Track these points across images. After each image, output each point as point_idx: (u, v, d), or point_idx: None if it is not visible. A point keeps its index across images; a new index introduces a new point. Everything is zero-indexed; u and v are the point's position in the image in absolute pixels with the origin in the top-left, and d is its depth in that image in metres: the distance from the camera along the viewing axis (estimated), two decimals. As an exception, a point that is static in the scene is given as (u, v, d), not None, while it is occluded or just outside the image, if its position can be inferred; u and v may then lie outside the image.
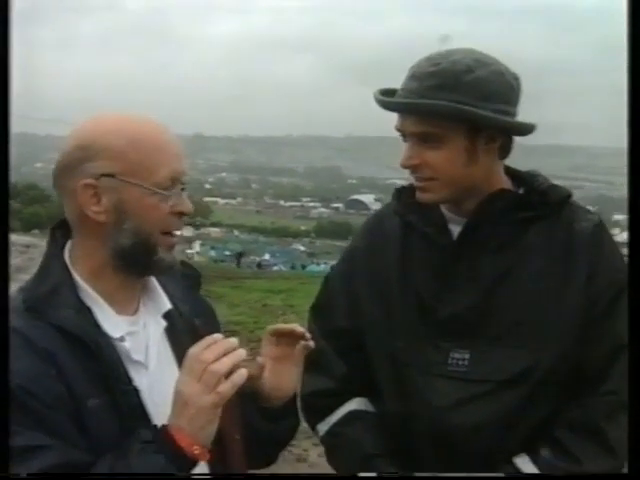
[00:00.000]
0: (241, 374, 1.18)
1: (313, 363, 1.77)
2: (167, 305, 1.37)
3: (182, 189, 1.29)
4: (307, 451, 5.38)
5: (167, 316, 1.37)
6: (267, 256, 60.44)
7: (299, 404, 1.69)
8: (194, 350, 1.19)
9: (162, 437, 1.16)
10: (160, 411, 1.24)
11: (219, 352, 1.17)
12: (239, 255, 45.94)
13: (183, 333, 1.39)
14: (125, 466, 1.14)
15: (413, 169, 1.56)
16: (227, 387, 1.17)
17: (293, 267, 53.75)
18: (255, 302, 15.86)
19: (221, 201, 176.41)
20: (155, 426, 1.20)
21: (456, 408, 1.55)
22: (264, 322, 11.19)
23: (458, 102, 1.47)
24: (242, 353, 1.20)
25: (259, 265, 44.81)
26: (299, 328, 1.41)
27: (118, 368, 1.23)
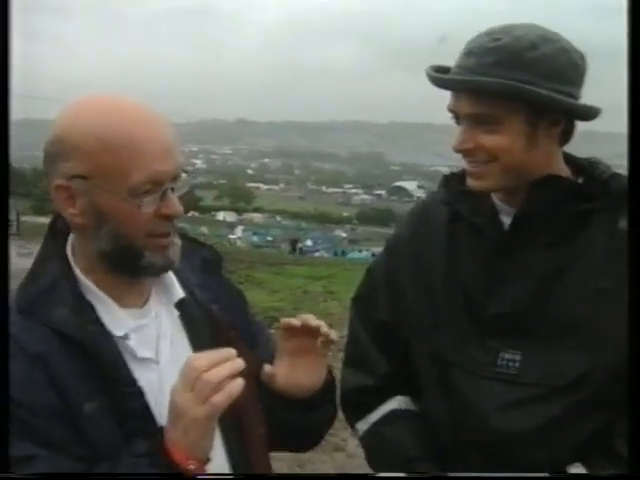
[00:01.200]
0: (236, 384, 1.09)
1: (353, 358, 1.71)
2: (179, 294, 1.30)
3: (172, 188, 1.18)
4: (345, 441, 5.33)
5: (181, 305, 1.30)
6: (309, 242, 60.57)
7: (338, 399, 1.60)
8: (190, 357, 1.11)
9: (156, 451, 1.10)
10: None
11: (214, 361, 1.09)
12: (294, 242, 45.72)
13: (200, 322, 1.32)
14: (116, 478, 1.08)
15: (466, 153, 1.45)
16: (221, 398, 1.08)
17: (335, 253, 53.77)
18: (296, 288, 15.87)
19: (263, 186, 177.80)
20: (152, 436, 1.13)
21: (503, 412, 1.46)
22: (304, 308, 11.19)
23: (520, 81, 1.36)
24: (239, 364, 1.11)
25: (301, 251, 44.81)
26: (312, 321, 1.30)
27: (119, 369, 1.17)
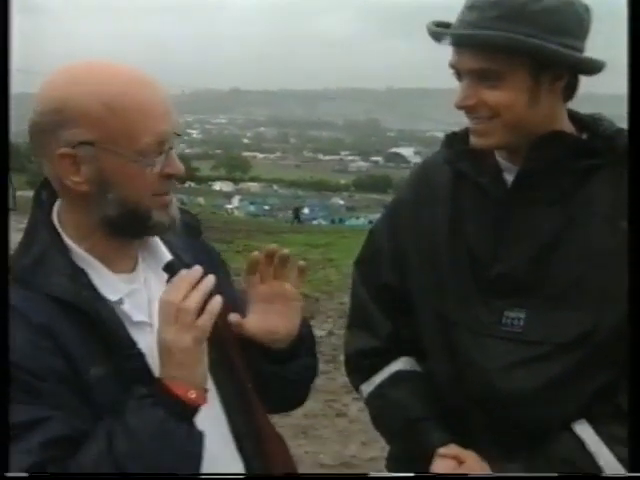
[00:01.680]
0: (215, 302, 1.16)
1: (356, 321, 1.71)
2: (167, 257, 1.31)
3: (170, 148, 1.20)
4: (347, 406, 5.36)
5: (169, 268, 1.30)
6: (306, 210, 60.54)
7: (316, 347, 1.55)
8: (162, 296, 1.16)
9: (157, 389, 1.13)
10: None
11: (186, 289, 1.15)
12: (296, 210, 45.55)
13: None
14: (123, 425, 1.09)
15: (469, 110, 1.43)
16: (205, 318, 1.14)
17: (333, 221, 53.78)
18: (294, 256, 15.81)
19: (260, 155, 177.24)
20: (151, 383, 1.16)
21: (507, 371, 1.45)
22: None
23: (524, 34, 1.33)
24: (210, 281, 1.17)
25: (299, 219, 44.78)
26: (277, 249, 1.31)
27: (119, 332, 1.18)
